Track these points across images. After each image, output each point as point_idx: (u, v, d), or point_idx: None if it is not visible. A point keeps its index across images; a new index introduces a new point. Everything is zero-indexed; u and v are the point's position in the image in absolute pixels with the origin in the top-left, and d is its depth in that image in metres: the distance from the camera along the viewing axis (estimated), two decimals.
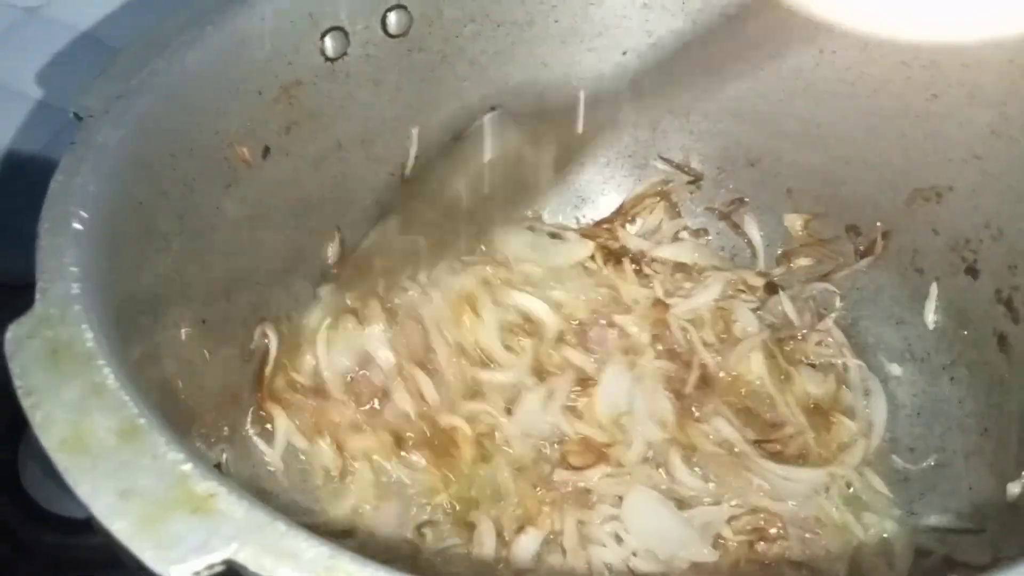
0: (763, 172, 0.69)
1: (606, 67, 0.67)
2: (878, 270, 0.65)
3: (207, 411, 0.50)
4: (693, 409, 0.60)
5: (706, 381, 0.61)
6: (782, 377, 0.62)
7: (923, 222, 0.61)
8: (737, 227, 0.71)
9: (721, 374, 0.62)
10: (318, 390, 0.58)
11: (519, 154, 0.54)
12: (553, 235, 0.70)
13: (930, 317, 0.62)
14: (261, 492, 0.54)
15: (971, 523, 0.54)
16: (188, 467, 0.28)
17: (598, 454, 0.57)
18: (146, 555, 0.26)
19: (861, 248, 0.65)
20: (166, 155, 0.48)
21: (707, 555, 0.53)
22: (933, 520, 0.56)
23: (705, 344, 0.63)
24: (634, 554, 0.53)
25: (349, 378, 0.59)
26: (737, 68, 0.65)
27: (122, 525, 0.27)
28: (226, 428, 0.53)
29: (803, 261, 0.68)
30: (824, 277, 0.67)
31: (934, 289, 0.62)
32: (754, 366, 0.61)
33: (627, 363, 0.62)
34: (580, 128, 0.50)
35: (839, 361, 0.62)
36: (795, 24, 0.61)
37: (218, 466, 0.49)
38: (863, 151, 0.63)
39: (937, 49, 0.56)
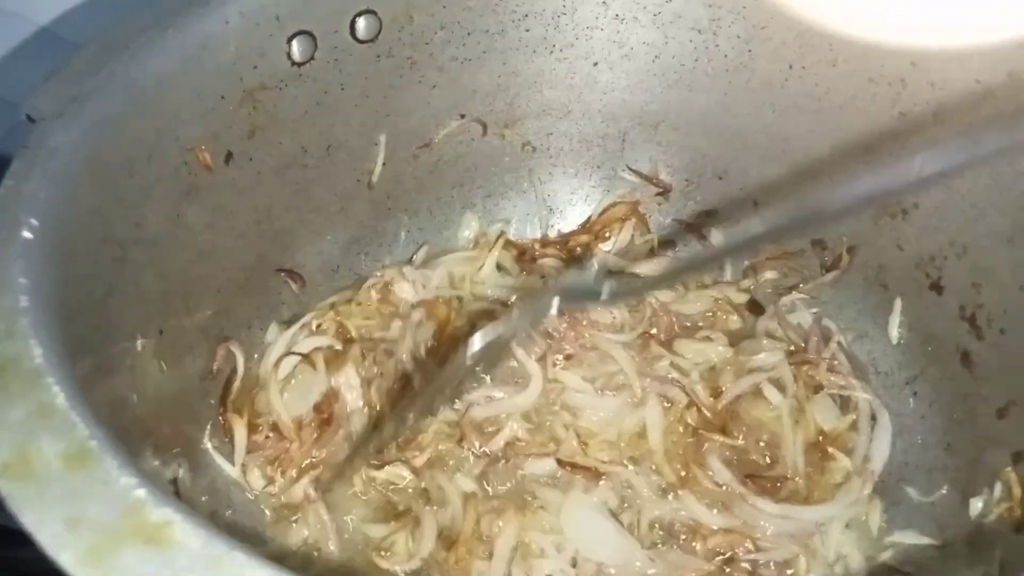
0: (730, 185, 0.69)
1: (577, 77, 0.67)
2: (843, 284, 0.66)
3: (163, 424, 0.48)
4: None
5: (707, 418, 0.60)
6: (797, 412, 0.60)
7: (888, 238, 0.61)
8: (704, 239, 0.71)
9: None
10: (274, 427, 0.57)
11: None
12: None
13: (894, 332, 0.63)
14: (220, 506, 0.52)
15: (935, 539, 0.54)
16: (142, 492, 0.27)
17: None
18: None
19: (827, 261, 0.66)
20: (123, 161, 0.46)
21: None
22: (895, 536, 0.56)
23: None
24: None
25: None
26: (706, 81, 0.65)
27: (68, 557, 0.25)
28: (183, 442, 0.51)
29: (769, 274, 0.68)
30: (789, 290, 0.67)
31: (898, 304, 0.62)
32: (771, 397, 0.60)
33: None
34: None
35: (851, 394, 0.61)
36: (765, 39, 0.62)
37: (174, 481, 0.47)
38: (829, 166, 0.64)
39: (904, 67, 0.57)
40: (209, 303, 0.56)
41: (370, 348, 0.60)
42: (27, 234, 0.36)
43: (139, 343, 0.46)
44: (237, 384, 0.58)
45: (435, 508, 0.55)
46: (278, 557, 0.50)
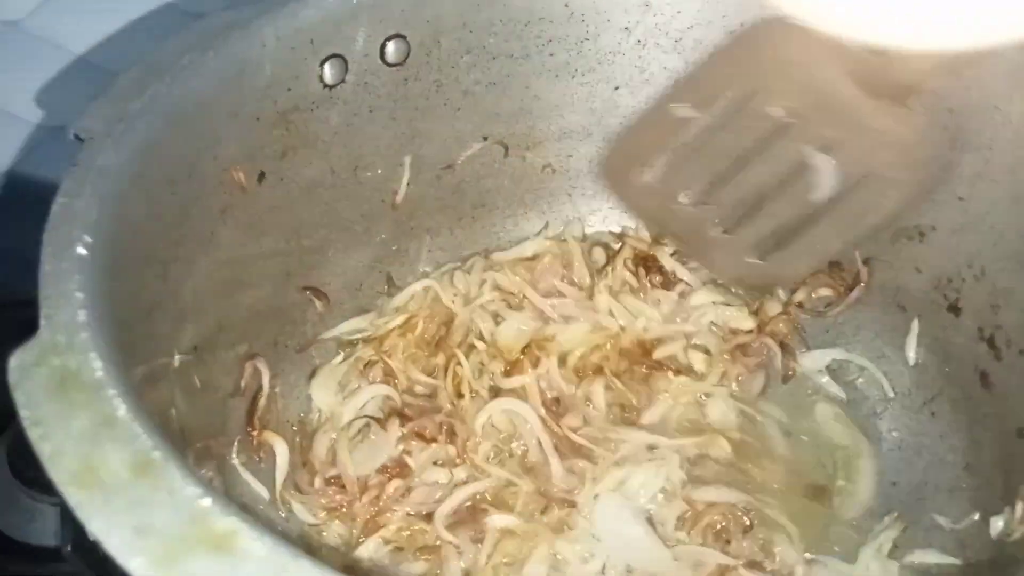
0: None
1: (597, 101, 0.68)
2: (860, 305, 0.67)
3: (197, 440, 0.49)
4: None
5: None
6: None
7: (906, 260, 0.62)
8: None
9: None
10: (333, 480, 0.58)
11: None
12: None
13: (911, 353, 0.64)
14: None
15: (955, 558, 0.55)
16: (207, 502, 0.27)
17: None
18: None
19: (847, 282, 0.66)
20: (165, 180, 0.47)
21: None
22: (916, 556, 0.56)
23: None
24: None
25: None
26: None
27: (139, 562, 0.26)
28: (215, 458, 0.52)
29: (824, 291, 0.68)
30: (822, 312, 0.68)
31: (915, 326, 0.63)
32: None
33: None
34: None
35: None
36: (785, 63, 0.63)
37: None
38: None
39: (924, 92, 0.58)
40: (239, 320, 0.57)
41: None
42: (82, 250, 0.37)
43: (177, 359, 0.47)
44: (263, 402, 0.59)
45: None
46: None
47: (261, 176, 0.56)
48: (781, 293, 0.70)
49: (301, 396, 0.64)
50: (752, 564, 0.54)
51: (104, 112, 0.44)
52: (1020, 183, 0.54)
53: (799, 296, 0.69)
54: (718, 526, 0.56)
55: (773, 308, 0.68)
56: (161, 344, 0.46)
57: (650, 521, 0.57)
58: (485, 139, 0.68)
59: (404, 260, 0.71)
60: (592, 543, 0.55)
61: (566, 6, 0.63)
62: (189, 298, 0.50)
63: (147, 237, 0.45)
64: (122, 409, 0.30)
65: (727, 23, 0.62)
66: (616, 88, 0.68)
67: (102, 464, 0.28)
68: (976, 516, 0.55)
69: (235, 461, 0.56)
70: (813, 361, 0.67)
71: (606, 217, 0.74)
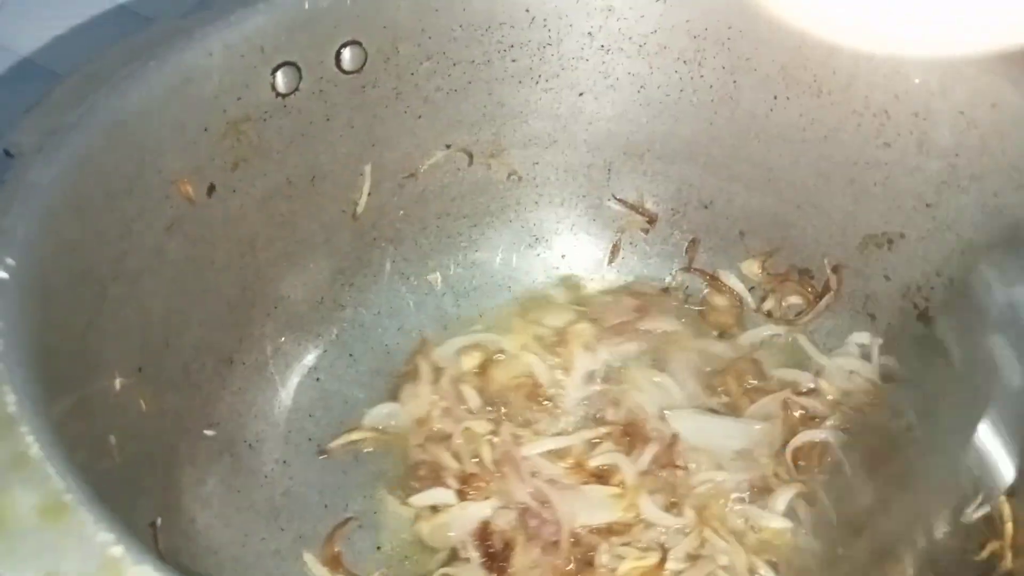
0: (716, 214, 0.69)
1: (562, 107, 0.67)
2: (831, 315, 0.66)
3: (143, 465, 0.47)
4: None
5: None
6: None
7: (875, 268, 0.62)
8: (715, 280, 0.70)
9: None
10: None
11: None
12: None
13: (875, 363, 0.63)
14: (198, 551, 0.50)
15: None
16: (118, 550, 0.26)
17: None
18: None
19: (817, 289, 0.65)
20: (103, 195, 0.45)
21: None
22: None
23: None
24: None
25: None
26: (692, 112, 0.65)
27: None
28: (163, 484, 0.50)
29: (794, 299, 0.67)
30: (792, 320, 0.67)
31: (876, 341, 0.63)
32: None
33: None
34: None
35: None
36: (750, 70, 0.62)
37: (152, 525, 0.46)
38: (814, 196, 0.64)
39: (888, 99, 0.57)
40: (190, 338, 0.55)
41: None
42: (3, 274, 0.35)
43: (117, 382, 0.45)
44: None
45: None
46: None
47: (211, 189, 0.54)
48: (750, 299, 0.69)
49: (259, 415, 0.62)
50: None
51: (37, 125, 0.43)
52: (987, 191, 0.54)
53: (768, 304, 0.68)
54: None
55: (719, 300, 0.69)
56: (99, 367, 0.44)
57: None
58: (448, 147, 0.67)
59: (367, 271, 0.69)
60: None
61: (527, 11, 0.62)
62: (133, 317, 0.48)
63: (83, 255, 0.43)
64: (35, 447, 0.28)
65: (690, 27, 0.61)
66: (580, 94, 0.66)
67: (9, 507, 0.27)
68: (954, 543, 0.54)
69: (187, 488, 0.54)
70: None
71: (574, 224, 0.73)
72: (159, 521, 0.46)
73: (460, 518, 0.57)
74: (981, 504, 0.50)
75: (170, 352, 0.52)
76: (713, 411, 0.63)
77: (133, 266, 0.48)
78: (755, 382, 0.65)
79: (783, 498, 0.58)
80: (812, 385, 0.63)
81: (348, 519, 0.59)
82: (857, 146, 0.59)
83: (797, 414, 0.62)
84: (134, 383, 0.47)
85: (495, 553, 0.56)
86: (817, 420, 0.62)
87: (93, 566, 0.25)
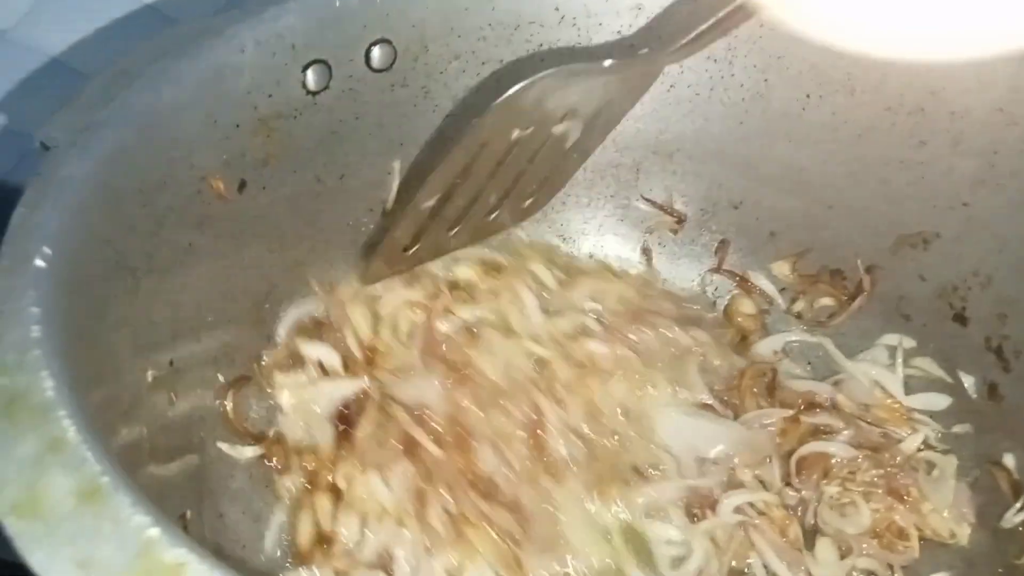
0: (745, 215, 0.69)
1: None
2: (863, 316, 0.65)
3: (173, 458, 0.47)
4: None
5: None
6: None
7: (909, 268, 0.61)
8: (745, 281, 0.69)
9: None
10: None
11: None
12: None
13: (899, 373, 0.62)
14: (228, 543, 0.50)
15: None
16: (155, 532, 0.26)
17: None
18: None
19: (849, 290, 0.64)
20: (136, 190, 0.45)
21: None
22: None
23: None
24: None
25: None
26: (722, 111, 0.65)
27: None
28: (192, 477, 0.50)
29: (826, 300, 0.66)
30: (824, 322, 0.66)
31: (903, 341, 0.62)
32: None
33: None
34: None
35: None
36: (782, 68, 0.61)
37: (183, 517, 0.46)
38: (846, 196, 0.63)
39: (923, 96, 0.56)
40: (220, 334, 0.55)
41: None
42: (40, 263, 0.35)
43: (150, 374, 0.45)
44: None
45: None
46: None
47: (242, 185, 0.54)
48: (780, 300, 0.68)
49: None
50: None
51: (70, 120, 0.43)
52: None
53: (799, 306, 0.67)
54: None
55: (746, 307, 0.67)
56: (132, 360, 0.44)
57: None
58: None
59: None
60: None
61: (556, 9, 0.61)
62: (165, 311, 0.48)
63: (116, 249, 0.43)
64: (72, 431, 0.28)
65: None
66: None
67: (46, 492, 0.27)
68: (986, 534, 0.53)
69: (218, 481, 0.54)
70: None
71: (601, 225, 0.73)
72: (188, 514, 0.46)
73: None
74: (1021, 509, 0.49)
75: (200, 347, 0.53)
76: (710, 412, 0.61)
77: (165, 260, 0.48)
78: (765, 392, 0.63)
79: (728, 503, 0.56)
80: (828, 398, 0.62)
81: None
82: (891, 145, 0.59)
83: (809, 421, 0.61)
84: (165, 376, 0.47)
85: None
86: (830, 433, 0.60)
87: (130, 549, 0.25)
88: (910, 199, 0.59)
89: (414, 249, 0.58)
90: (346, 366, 0.60)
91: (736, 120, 0.65)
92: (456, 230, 0.59)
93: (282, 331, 0.60)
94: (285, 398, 0.58)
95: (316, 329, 0.61)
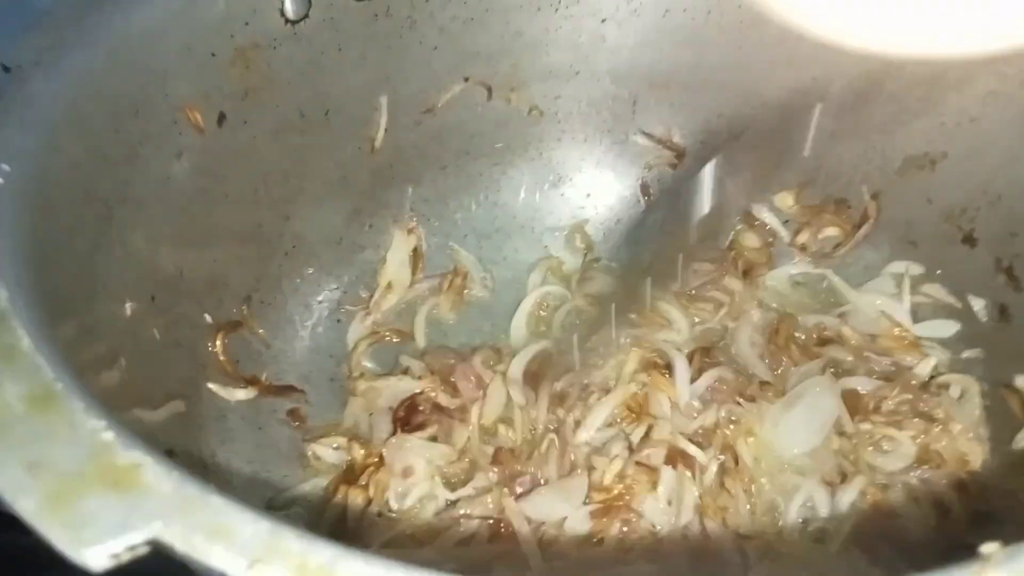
0: (748, 144, 0.66)
1: (584, 36, 0.64)
2: (869, 245, 0.63)
3: (158, 392, 0.46)
4: None
5: None
6: None
7: (916, 192, 0.59)
8: (748, 215, 0.67)
9: None
10: None
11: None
12: None
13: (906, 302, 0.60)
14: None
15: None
16: (109, 436, 0.24)
17: None
18: (55, 536, 0.22)
19: (854, 219, 0.62)
20: (107, 115, 0.44)
21: None
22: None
23: None
24: None
25: None
26: (719, 37, 0.62)
27: (28, 503, 0.23)
28: (180, 415, 0.49)
29: (831, 231, 0.64)
30: (829, 253, 0.64)
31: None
32: None
33: None
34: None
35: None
36: None
37: (170, 452, 0.45)
38: (851, 119, 0.61)
39: None
40: (204, 272, 0.54)
41: None
42: None
43: (128, 306, 0.44)
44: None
45: None
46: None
47: (221, 118, 0.52)
48: (784, 233, 0.66)
49: (279, 354, 0.61)
50: None
51: (36, 42, 0.41)
52: None
53: (802, 238, 0.65)
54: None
55: (751, 241, 0.66)
56: (107, 289, 0.43)
57: None
58: (466, 80, 0.64)
59: (386, 212, 0.67)
60: None
61: None
62: (143, 244, 0.47)
63: (86, 174, 0.41)
64: (25, 340, 0.27)
65: None
66: (603, 21, 0.64)
67: None
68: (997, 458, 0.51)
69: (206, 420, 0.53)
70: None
71: (599, 161, 0.71)
72: (175, 451, 0.45)
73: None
74: None
75: (184, 284, 0.51)
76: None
77: (140, 192, 0.46)
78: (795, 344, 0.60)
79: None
80: (836, 331, 0.60)
81: None
82: (898, 61, 0.56)
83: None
84: (146, 311, 0.46)
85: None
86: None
87: (82, 453, 0.24)
88: (917, 117, 0.57)
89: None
90: None
91: (734, 45, 0.62)
92: None
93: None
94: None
95: None
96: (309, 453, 0.57)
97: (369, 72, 0.60)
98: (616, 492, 0.51)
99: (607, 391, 0.57)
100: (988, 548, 0.24)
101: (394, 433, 0.56)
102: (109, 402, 0.29)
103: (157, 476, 0.24)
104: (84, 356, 0.37)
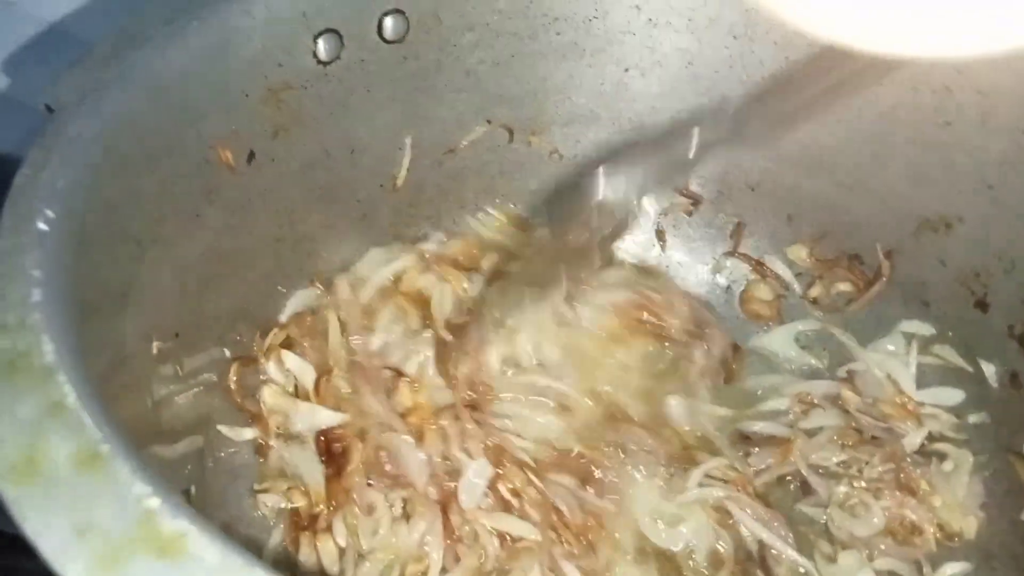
0: (763, 197, 0.67)
1: (607, 84, 0.65)
2: (881, 302, 0.63)
3: (178, 432, 0.46)
4: None
5: None
6: None
7: (930, 253, 0.59)
8: (761, 265, 0.68)
9: None
10: None
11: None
12: None
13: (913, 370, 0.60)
14: (232, 520, 0.50)
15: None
16: (155, 502, 0.25)
17: None
18: None
19: (868, 276, 0.63)
20: (143, 155, 0.44)
21: None
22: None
23: None
24: None
25: None
26: (741, 89, 0.63)
27: (76, 568, 0.23)
28: (196, 453, 0.49)
29: (843, 286, 0.65)
30: (841, 308, 0.64)
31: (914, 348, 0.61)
32: None
33: None
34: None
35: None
36: (804, 44, 0.60)
37: (186, 493, 0.45)
38: (867, 178, 0.62)
39: (949, 74, 0.55)
40: (226, 307, 0.54)
41: None
42: (43, 225, 0.34)
43: (155, 345, 0.44)
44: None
45: None
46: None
47: (251, 156, 0.53)
48: (796, 285, 0.67)
49: None
50: None
51: (77, 82, 0.42)
52: None
53: (815, 291, 0.66)
54: None
55: (762, 293, 0.66)
56: (136, 330, 0.43)
57: None
58: (489, 122, 0.65)
59: (404, 249, 0.68)
60: None
61: None
62: (171, 282, 0.47)
63: (122, 214, 0.42)
64: (71, 396, 0.27)
65: None
66: (626, 70, 0.65)
67: (44, 456, 0.26)
68: (1004, 525, 0.51)
69: (221, 455, 0.53)
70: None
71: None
72: (193, 490, 0.45)
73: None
74: None
75: (207, 320, 0.52)
76: None
77: (171, 230, 0.47)
78: None
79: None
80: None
81: None
82: (915, 125, 0.57)
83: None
84: (171, 348, 0.46)
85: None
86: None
87: (129, 518, 0.24)
88: (934, 181, 0.58)
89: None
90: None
91: (755, 99, 0.63)
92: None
93: (283, 318, 0.60)
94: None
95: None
96: (260, 507, 0.55)
97: (395, 112, 0.61)
98: None
99: None
100: None
101: (331, 471, 0.55)
102: (137, 444, 0.30)
103: (203, 546, 0.24)
104: (114, 399, 0.37)
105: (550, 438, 0.57)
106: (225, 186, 0.51)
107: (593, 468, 0.56)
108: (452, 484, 0.54)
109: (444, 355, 0.59)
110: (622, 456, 0.57)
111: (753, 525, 0.54)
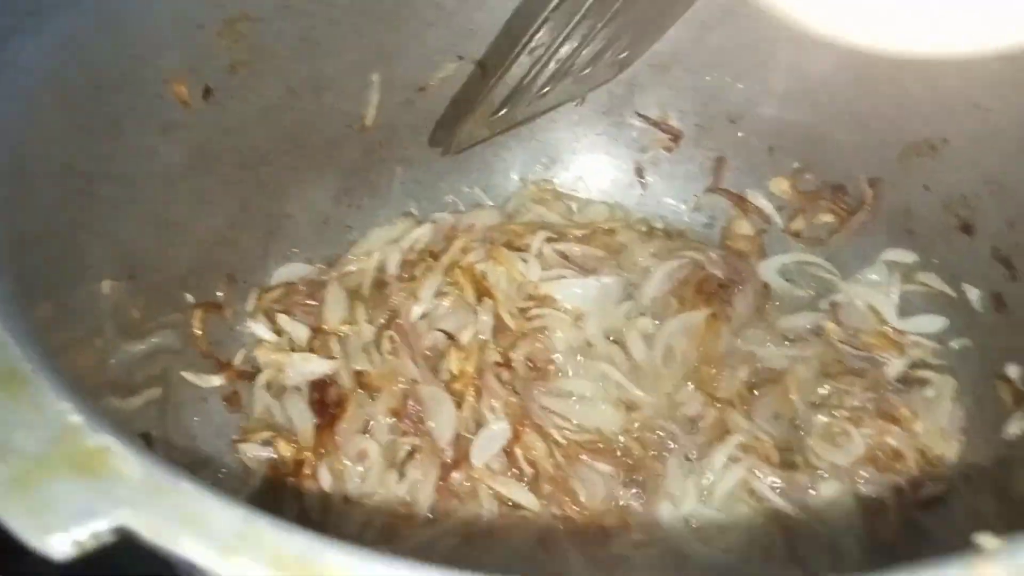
0: (744, 129, 0.65)
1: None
2: (865, 232, 0.62)
3: (136, 374, 0.45)
4: None
5: None
6: None
7: (915, 178, 0.57)
8: (742, 200, 0.66)
9: None
10: None
11: None
12: None
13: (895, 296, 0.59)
14: (197, 464, 0.49)
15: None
16: (77, 418, 0.23)
17: None
18: (16, 523, 0.21)
19: (851, 205, 0.61)
20: (90, 86, 0.42)
21: None
22: None
23: None
24: None
25: None
26: (722, 16, 0.61)
27: None
28: (159, 394, 0.48)
29: (826, 217, 0.63)
30: (824, 239, 0.63)
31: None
32: None
33: None
34: None
35: None
36: None
37: (146, 436, 0.44)
38: (852, 105, 0.60)
39: None
40: (188, 251, 0.53)
41: None
42: None
43: (106, 284, 0.43)
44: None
45: None
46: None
47: (207, 92, 0.51)
48: (778, 219, 0.65)
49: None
50: None
51: (16, 6, 0.40)
52: None
53: (796, 224, 0.64)
54: None
55: (743, 228, 0.65)
56: (87, 268, 0.41)
57: None
58: (460, 58, 0.63)
59: (375, 193, 0.66)
60: None
61: None
62: (124, 221, 0.46)
63: (67, 147, 0.40)
64: None
65: None
66: None
67: None
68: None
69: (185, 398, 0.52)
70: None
71: (592, 144, 0.69)
72: (153, 433, 0.44)
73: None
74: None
75: (166, 263, 0.50)
76: None
77: (124, 167, 0.45)
78: None
79: None
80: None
81: None
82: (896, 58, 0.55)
83: None
84: (126, 289, 0.45)
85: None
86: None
87: (48, 435, 0.23)
88: (921, 103, 0.55)
89: (503, 112, 0.55)
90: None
91: (735, 26, 0.61)
92: (547, 89, 0.56)
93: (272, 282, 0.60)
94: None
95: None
96: (242, 456, 0.54)
97: (361, 48, 0.58)
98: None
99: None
100: (986, 542, 0.23)
101: (322, 421, 0.55)
102: (84, 385, 0.29)
103: (126, 461, 0.23)
104: (60, 337, 0.35)
105: (602, 427, 0.56)
106: (182, 124, 0.50)
107: (633, 464, 0.55)
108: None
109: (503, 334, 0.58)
110: (665, 454, 0.55)
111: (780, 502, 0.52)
